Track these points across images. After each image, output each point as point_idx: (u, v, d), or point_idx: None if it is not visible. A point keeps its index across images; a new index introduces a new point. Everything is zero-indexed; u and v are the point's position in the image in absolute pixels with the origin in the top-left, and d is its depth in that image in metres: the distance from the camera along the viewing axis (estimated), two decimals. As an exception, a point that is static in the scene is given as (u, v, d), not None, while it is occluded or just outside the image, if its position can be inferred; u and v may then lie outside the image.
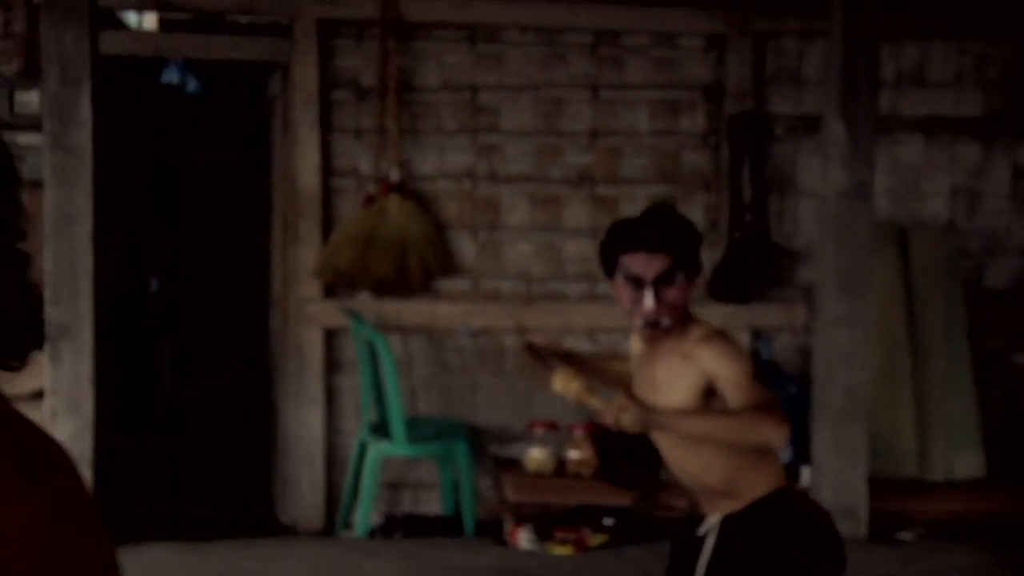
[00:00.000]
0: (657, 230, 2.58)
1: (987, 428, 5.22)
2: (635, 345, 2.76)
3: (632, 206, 5.30)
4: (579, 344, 5.32)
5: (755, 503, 2.63)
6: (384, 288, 5.17)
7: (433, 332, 5.27)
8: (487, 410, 5.30)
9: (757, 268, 5.29)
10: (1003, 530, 4.70)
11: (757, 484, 2.63)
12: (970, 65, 5.35)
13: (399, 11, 5.08)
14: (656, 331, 2.59)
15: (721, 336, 2.61)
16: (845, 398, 4.71)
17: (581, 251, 5.31)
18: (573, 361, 2.83)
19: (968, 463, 5.07)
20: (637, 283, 2.55)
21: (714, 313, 5.28)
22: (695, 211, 5.32)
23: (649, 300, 2.54)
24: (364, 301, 5.19)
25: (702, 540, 2.65)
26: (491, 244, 5.30)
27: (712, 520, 2.64)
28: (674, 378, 2.61)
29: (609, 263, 2.64)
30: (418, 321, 5.23)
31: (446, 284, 5.28)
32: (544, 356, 2.82)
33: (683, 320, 2.61)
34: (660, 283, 2.54)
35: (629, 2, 5.19)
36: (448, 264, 5.23)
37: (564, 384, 2.61)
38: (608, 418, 2.45)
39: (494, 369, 5.29)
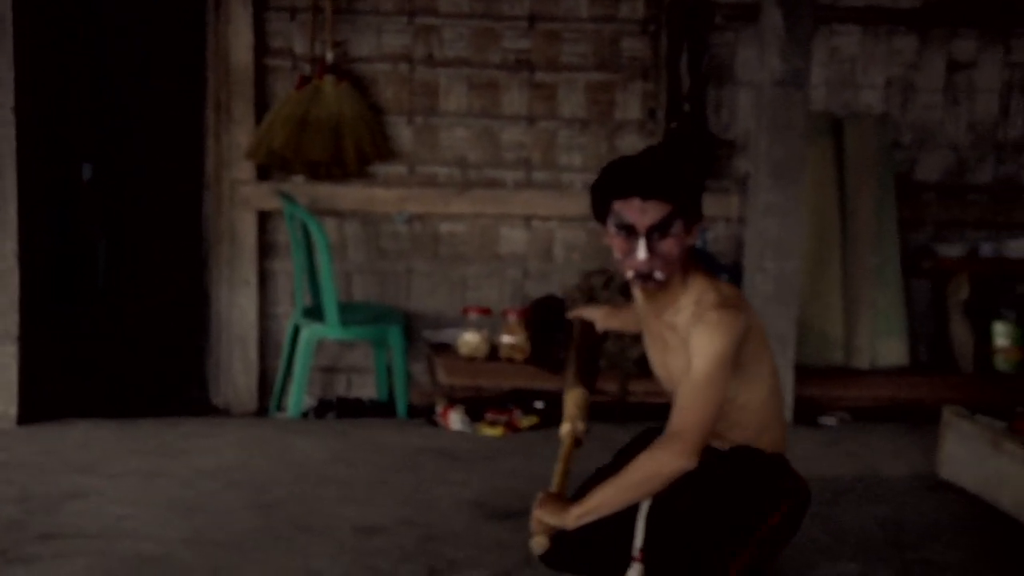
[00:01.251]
0: (654, 174, 2.36)
1: (912, 318, 5.32)
2: (638, 296, 2.59)
3: (570, 93, 5.28)
4: (515, 233, 5.33)
5: (739, 448, 2.54)
6: (319, 171, 5.12)
7: (369, 217, 5.24)
8: (422, 296, 5.32)
9: (694, 158, 5.30)
10: (921, 414, 4.82)
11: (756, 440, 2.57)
12: (913, -43, 5.33)
13: None
14: (648, 284, 2.42)
15: (709, 320, 2.39)
16: (775, 285, 4.77)
17: (518, 137, 5.29)
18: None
19: (892, 351, 5.18)
20: (630, 232, 2.37)
21: (649, 202, 5.32)
22: (633, 100, 5.31)
23: (642, 252, 2.35)
24: (298, 184, 5.15)
25: None
26: (427, 129, 5.26)
27: None
28: (676, 343, 2.49)
29: (600, 208, 2.44)
30: (353, 205, 5.20)
31: (382, 169, 5.24)
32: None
33: (682, 273, 2.44)
34: (654, 233, 2.36)
35: None
36: (384, 148, 5.19)
37: (568, 438, 2.58)
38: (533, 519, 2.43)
39: (429, 255, 5.29)
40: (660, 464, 2.33)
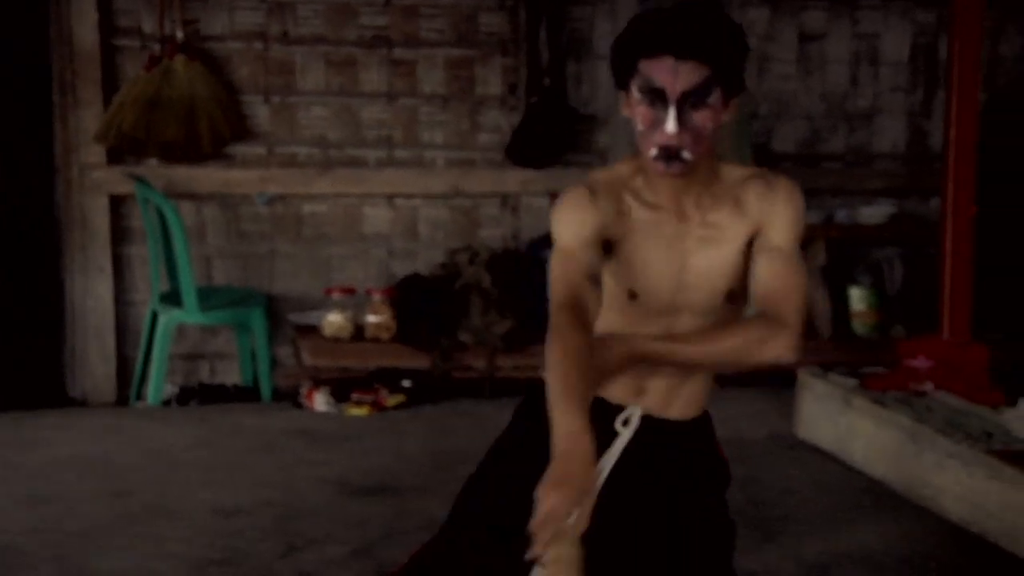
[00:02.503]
0: (693, 28, 1.93)
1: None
2: (635, 212, 2.01)
3: (430, 69, 5.25)
4: (379, 212, 5.28)
5: (696, 419, 2.08)
6: (173, 153, 5.00)
7: (228, 199, 5.13)
8: (285, 278, 5.23)
9: (555, 133, 5.31)
10: (782, 379, 4.91)
11: (704, 398, 2.11)
12: (757, -70, 5.42)
13: None
14: (672, 166, 1.94)
15: (786, 185, 2.05)
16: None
17: (378, 115, 5.23)
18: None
19: (754, 318, 5.27)
20: (658, 98, 1.93)
21: (513, 178, 5.33)
22: (493, 75, 5.29)
23: (671, 123, 1.91)
24: (153, 167, 5.01)
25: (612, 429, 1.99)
26: (285, 108, 5.17)
27: (633, 412, 2.02)
28: (720, 239, 2.01)
29: (623, 68, 1.98)
30: (211, 188, 5.09)
31: (240, 149, 5.13)
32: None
33: (709, 159, 1.99)
34: (688, 101, 1.92)
35: None
36: (240, 128, 5.08)
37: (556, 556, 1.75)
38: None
39: (291, 236, 5.21)
40: (764, 346, 1.96)
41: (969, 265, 4.24)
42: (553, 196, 5.34)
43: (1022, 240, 5.24)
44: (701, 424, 2.12)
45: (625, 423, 2.02)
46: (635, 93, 1.95)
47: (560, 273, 1.95)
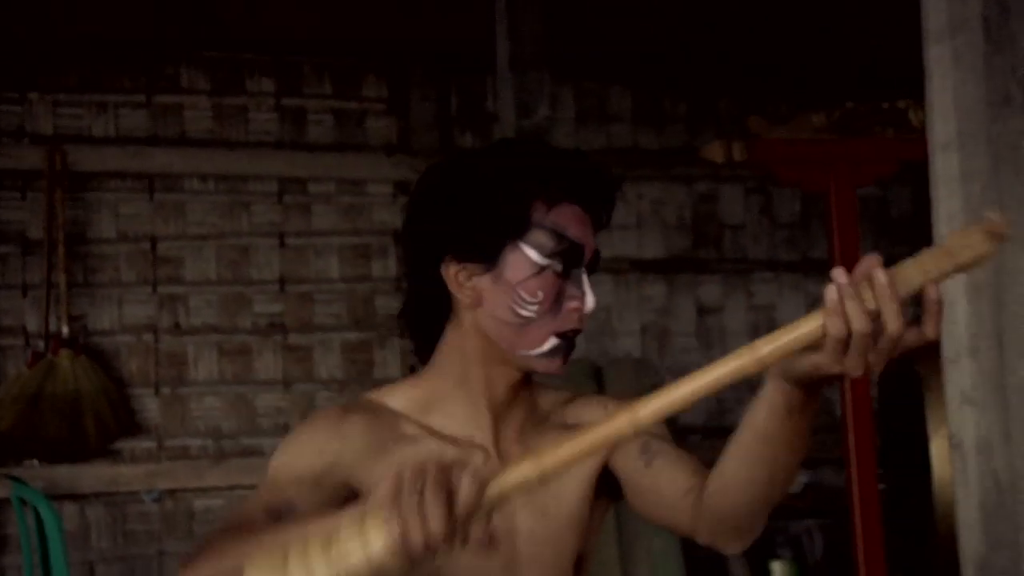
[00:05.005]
0: (607, 175, 1.46)
1: (689, 560, 5.21)
2: (419, 444, 1.43)
3: (326, 354, 5.15)
4: (275, 503, 5.03)
5: None
6: (58, 452, 4.75)
7: (114, 498, 4.86)
8: (175, 581, 4.89)
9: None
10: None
11: None
12: (648, 209, 5.56)
13: (67, 161, 4.84)
14: (565, 357, 1.45)
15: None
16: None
17: (275, 403, 5.08)
18: None
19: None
20: (572, 259, 1.42)
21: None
22: (392, 356, 5.21)
23: (591, 295, 1.44)
24: (33, 468, 4.75)
25: None
26: (176, 399, 5.00)
27: None
28: (560, 481, 1.46)
29: (507, 219, 1.41)
30: (96, 486, 4.83)
31: (128, 444, 4.91)
32: None
33: None
34: (590, 268, 1.46)
35: (314, 150, 5.15)
36: (129, 423, 4.88)
37: None
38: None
39: (183, 535, 4.91)
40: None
41: (878, 534, 4.13)
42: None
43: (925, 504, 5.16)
44: None
45: None
46: (527, 252, 1.41)
47: (249, 505, 1.36)
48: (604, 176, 1.46)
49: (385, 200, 5.26)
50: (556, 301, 1.43)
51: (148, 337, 4.98)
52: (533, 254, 1.42)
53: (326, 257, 5.17)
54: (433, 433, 1.44)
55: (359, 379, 5.17)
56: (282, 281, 5.13)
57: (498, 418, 1.47)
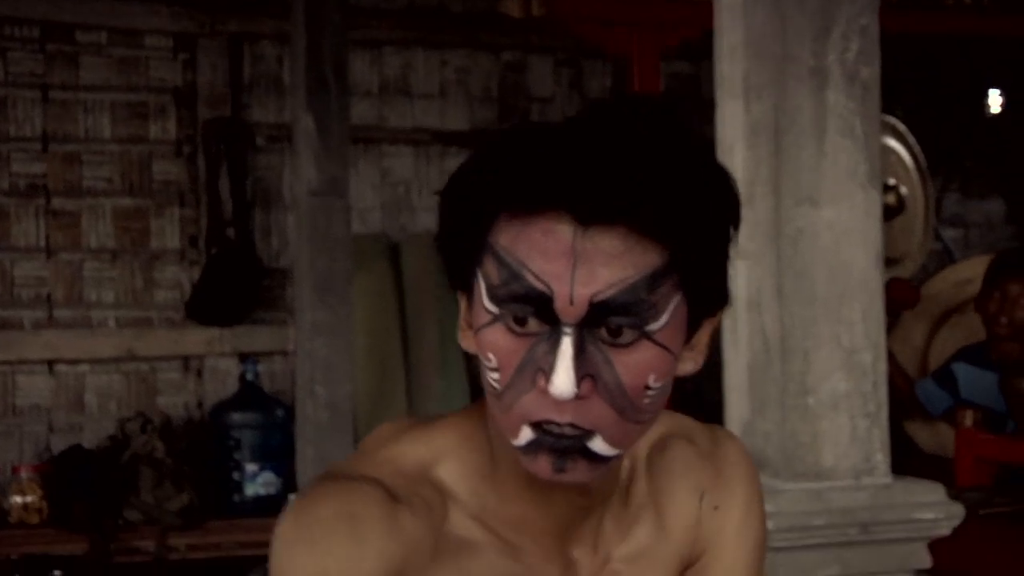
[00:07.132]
0: (627, 164, 0.95)
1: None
2: (480, 556, 1.03)
3: (95, 221, 4.74)
4: (36, 381, 4.64)
5: None
6: None
7: None
8: (-81, 462, 4.48)
9: (241, 288, 4.87)
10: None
11: None
12: (453, 78, 5.27)
13: None
14: (568, 470, 0.96)
15: (746, 470, 1.17)
16: (328, 412, 4.35)
17: (35, 272, 4.66)
18: None
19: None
20: (534, 309, 0.96)
21: (195, 338, 4.82)
22: (171, 227, 4.84)
23: (568, 373, 0.93)
24: None
25: None
26: (-78, 266, 4.53)
27: None
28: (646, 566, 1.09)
29: (459, 232, 1.04)
30: None
31: None
32: None
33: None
34: (606, 321, 0.95)
35: (82, -7, 4.68)
36: None
37: None
38: None
39: (-70, 413, 4.49)
40: None
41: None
42: (242, 357, 4.88)
43: None
44: None
45: None
46: (482, 292, 0.98)
47: None
48: (636, 176, 0.91)
49: (164, 55, 4.83)
50: (520, 371, 0.95)
51: None
52: (484, 294, 0.97)
53: (96, 114, 4.73)
54: (492, 531, 1.02)
55: (132, 250, 4.78)
56: (45, 139, 4.67)
57: (564, 518, 1.03)
